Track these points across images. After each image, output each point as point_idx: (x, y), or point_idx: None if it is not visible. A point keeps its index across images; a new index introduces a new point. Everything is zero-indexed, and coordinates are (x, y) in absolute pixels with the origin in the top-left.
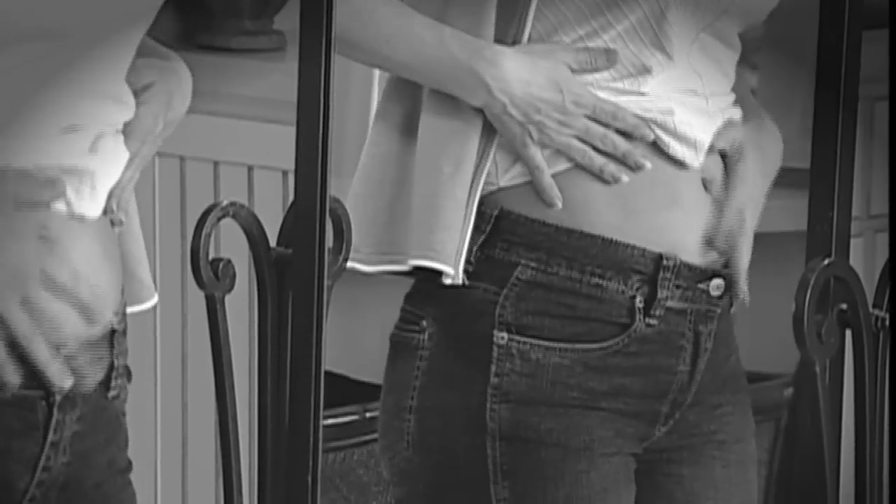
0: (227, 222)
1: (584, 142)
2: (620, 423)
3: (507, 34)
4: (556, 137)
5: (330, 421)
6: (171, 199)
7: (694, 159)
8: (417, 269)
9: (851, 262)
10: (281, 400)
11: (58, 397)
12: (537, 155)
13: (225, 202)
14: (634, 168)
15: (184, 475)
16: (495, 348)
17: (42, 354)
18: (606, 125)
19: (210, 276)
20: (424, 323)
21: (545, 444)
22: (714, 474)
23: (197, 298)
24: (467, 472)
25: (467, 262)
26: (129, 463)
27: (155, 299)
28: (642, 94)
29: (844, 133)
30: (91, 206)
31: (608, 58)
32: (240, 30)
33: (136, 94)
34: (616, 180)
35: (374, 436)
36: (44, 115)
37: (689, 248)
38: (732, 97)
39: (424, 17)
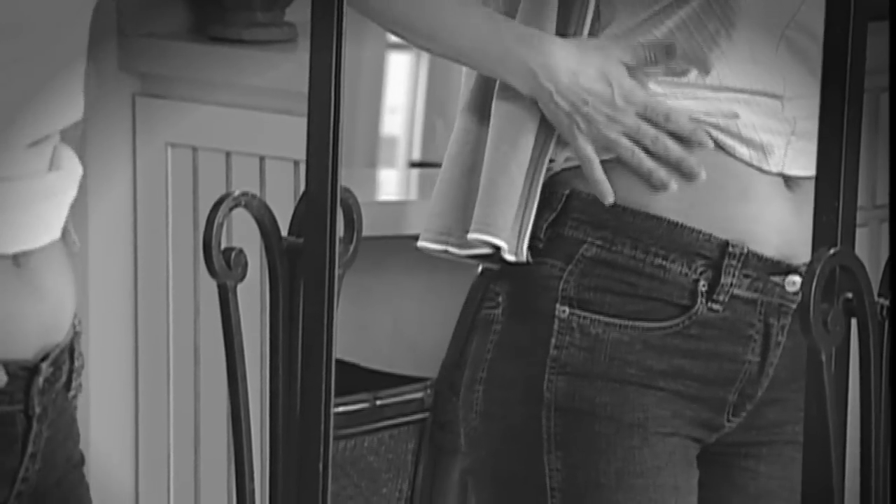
0: (239, 212)
1: (636, 141)
2: (679, 405)
3: (570, 21)
4: (603, 131)
5: (341, 409)
6: (183, 190)
7: (763, 161)
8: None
9: (857, 251)
10: (292, 388)
11: (38, 409)
12: (587, 147)
13: (237, 192)
14: (688, 178)
15: (196, 462)
16: (556, 321)
17: None
18: (659, 126)
19: (222, 265)
20: (500, 299)
21: (599, 417)
22: (792, 476)
23: (209, 288)
24: (524, 441)
25: (538, 238)
26: (83, 456)
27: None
28: (704, 86)
29: (850, 124)
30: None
31: (667, 51)
32: (251, 21)
33: None
34: (664, 187)
35: (385, 423)
36: (16, 127)
37: (759, 238)
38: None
39: (480, 5)
